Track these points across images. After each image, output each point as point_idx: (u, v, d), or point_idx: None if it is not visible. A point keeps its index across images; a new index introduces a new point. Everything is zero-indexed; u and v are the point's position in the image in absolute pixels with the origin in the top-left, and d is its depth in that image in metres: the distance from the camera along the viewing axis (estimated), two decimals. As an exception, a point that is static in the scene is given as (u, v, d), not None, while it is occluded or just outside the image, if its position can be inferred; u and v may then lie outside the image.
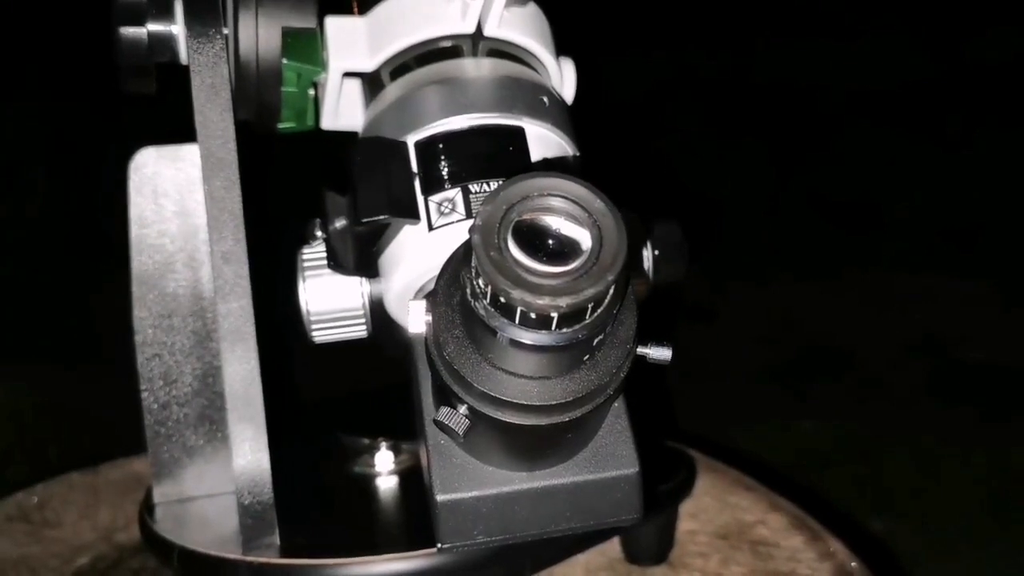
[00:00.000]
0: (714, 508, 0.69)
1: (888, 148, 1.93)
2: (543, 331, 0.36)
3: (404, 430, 0.54)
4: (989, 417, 1.34)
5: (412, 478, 0.61)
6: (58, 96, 1.71)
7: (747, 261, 1.68)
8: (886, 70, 2.09)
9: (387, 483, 0.61)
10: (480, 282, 0.36)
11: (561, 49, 0.56)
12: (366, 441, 0.63)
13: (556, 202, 0.36)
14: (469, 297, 0.37)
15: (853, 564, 0.63)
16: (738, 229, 1.74)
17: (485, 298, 0.36)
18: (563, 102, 0.54)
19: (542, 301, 0.35)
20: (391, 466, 0.62)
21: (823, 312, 1.57)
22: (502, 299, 0.35)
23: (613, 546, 0.62)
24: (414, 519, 0.55)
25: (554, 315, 0.35)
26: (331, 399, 0.74)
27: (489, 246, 0.35)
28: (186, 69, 0.53)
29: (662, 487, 0.61)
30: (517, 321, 0.36)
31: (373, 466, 0.63)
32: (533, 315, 0.35)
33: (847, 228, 1.77)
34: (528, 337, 0.36)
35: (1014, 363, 1.44)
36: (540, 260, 0.35)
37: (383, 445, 0.63)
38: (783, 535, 0.66)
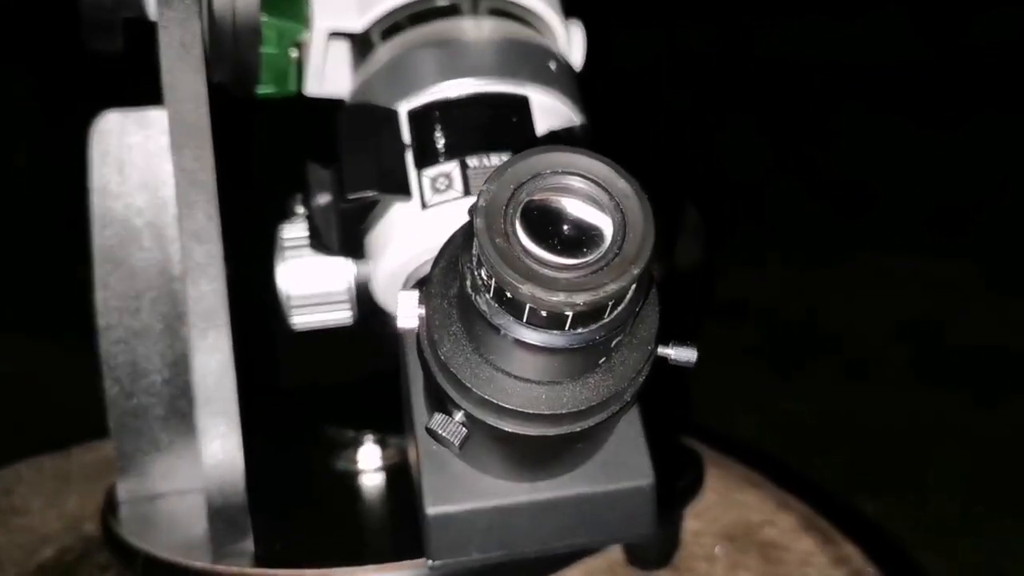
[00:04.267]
0: (719, 506, 0.65)
1: (882, 129, 1.92)
2: (555, 331, 0.32)
3: (391, 421, 0.51)
4: (979, 400, 1.33)
5: (400, 475, 0.57)
6: (33, 60, 1.66)
7: (735, 241, 1.65)
8: (883, 49, 2.07)
9: (372, 481, 0.58)
10: (482, 273, 0.31)
11: (569, 9, 0.52)
12: (351, 433, 0.59)
13: (573, 181, 0.32)
14: (469, 290, 0.32)
15: (870, 571, 0.60)
16: (727, 209, 1.71)
17: (488, 292, 0.32)
18: (571, 68, 0.50)
19: (556, 298, 0.30)
20: (377, 462, 0.59)
21: (812, 293, 1.56)
22: (508, 294, 0.31)
23: (614, 548, 0.59)
24: (401, 523, 0.51)
25: (568, 313, 0.31)
26: (312, 386, 0.71)
27: (494, 232, 0.31)
28: (155, 25, 0.49)
29: (670, 488, 0.57)
30: (525, 319, 0.31)
31: (357, 462, 0.59)
32: (544, 313, 0.31)
33: (838, 209, 1.76)
34: (537, 338, 0.32)
35: (1005, 346, 1.42)
36: (554, 249, 0.31)
37: (369, 439, 0.59)
38: (793, 537, 0.63)
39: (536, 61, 0.47)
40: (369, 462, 0.59)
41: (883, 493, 1.18)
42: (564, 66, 0.49)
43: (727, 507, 0.65)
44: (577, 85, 0.50)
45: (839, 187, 1.79)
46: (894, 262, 1.60)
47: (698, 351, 0.36)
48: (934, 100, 1.95)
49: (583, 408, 0.34)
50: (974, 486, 1.19)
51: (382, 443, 0.59)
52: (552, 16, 0.50)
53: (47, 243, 1.47)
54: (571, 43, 0.51)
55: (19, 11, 1.55)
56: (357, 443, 0.59)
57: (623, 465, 0.40)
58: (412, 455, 0.41)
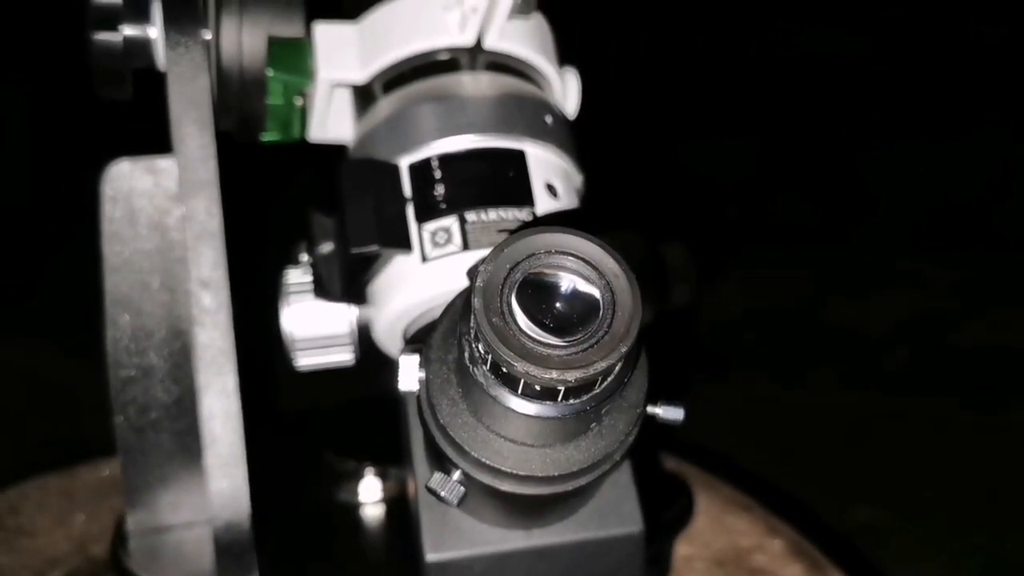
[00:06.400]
0: (710, 531, 0.66)
1: (882, 129, 1.91)
2: (548, 402, 0.33)
3: (391, 446, 0.51)
4: (979, 400, 1.32)
5: (400, 509, 0.58)
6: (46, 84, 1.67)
7: (733, 241, 1.65)
8: (883, 49, 2.06)
9: (373, 513, 0.59)
10: (480, 347, 0.33)
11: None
12: (352, 465, 0.60)
13: (565, 261, 0.33)
14: (467, 361, 0.34)
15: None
16: (725, 209, 1.71)
17: (485, 364, 0.33)
18: (565, 119, 0.51)
19: (549, 375, 0.32)
20: (378, 495, 0.59)
21: (812, 294, 1.55)
22: (504, 369, 0.32)
23: None
24: (403, 558, 0.52)
25: (561, 388, 0.32)
26: (315, 411, 0.71)
27: (491, 312, 0.32)
28: (164, 76, 0.50)
29: (660, 518, 0.58)
30: (520, 392, 0.33)
31: (358, 494, 0.60)
32: (538, 387, 0.32)
33: (838, 209, 1.75)
34: (531, 408, 0.33)
35: (1005, 346, 1.42)
36: (547, 328, 0.32)
37: (369, 472, 0.60)
38: (781, 563, 0.64)
39: (532, 115, 0.48)
40: (370, 495, 0.60)
41: (882, 493, 1.19)
42: (559, 117, 0.50)
43: (718, 532, 0.66)
44: (572, 134, 0.50)
45: (839, 187, 1.79)
46: (894, 262, 1.60)
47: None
48: (934, 101, 1.95)
49: (575, 469, 0.36)
50: (974, 487, 1.19)
51: (383, 475, 0.60)
52: (548, 68, 0.50)
53: (48, 250, 1.48)
54: (566, 91, 0.52)
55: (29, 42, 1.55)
56: (358, 475, 0.60)
57: (614, 513, 0.41)
58: (411, 489, 0.43)
